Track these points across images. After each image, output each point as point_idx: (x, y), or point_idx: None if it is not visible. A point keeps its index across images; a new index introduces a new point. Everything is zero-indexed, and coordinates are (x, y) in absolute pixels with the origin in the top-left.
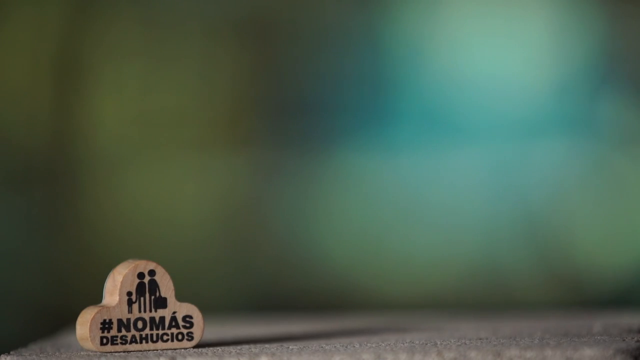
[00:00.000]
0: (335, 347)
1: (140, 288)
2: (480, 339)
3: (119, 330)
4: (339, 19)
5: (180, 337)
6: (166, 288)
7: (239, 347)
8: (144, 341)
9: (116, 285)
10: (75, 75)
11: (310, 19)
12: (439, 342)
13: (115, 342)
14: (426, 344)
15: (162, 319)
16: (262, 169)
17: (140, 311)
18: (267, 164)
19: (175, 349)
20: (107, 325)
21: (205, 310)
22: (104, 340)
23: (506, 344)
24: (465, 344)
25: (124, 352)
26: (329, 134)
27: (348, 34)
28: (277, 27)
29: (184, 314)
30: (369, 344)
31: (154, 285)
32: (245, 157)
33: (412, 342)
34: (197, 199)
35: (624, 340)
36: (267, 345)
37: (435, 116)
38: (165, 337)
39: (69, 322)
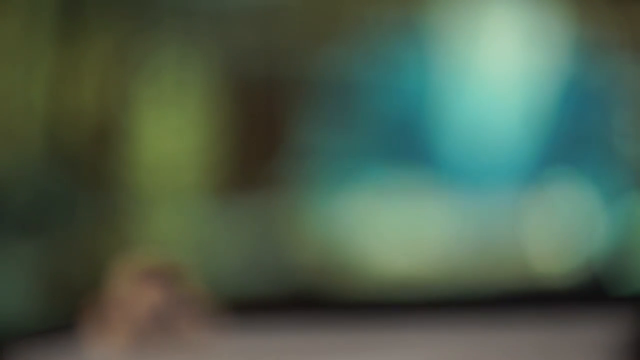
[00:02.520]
0: (335, 349)
1: (154, 287)
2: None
3: (132, 327)
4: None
5: (189, 335)
6: (179, 288)
7: (246, 345)
8: (155, 337)
9: (131, 283)
10: None
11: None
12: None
13: (128, 337)
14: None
15: (173, 317)
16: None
17: (152, 310)
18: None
19: (185, 347)
20: (119, 321)
21: (212, 308)
22: (117, 336)
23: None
24: (469, 346)
25: (136, 347)
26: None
27: None
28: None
29: (195, 312)
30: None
31: (167, 285)
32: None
33: (414, 344)
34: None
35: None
36: (273, 343)
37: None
38: (175, 335)
39: (82, 317)
